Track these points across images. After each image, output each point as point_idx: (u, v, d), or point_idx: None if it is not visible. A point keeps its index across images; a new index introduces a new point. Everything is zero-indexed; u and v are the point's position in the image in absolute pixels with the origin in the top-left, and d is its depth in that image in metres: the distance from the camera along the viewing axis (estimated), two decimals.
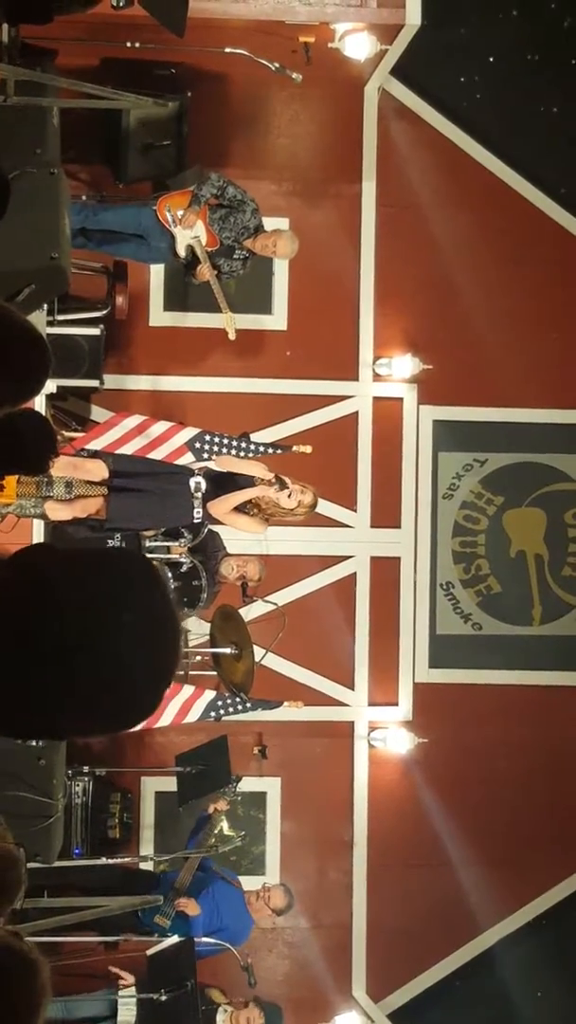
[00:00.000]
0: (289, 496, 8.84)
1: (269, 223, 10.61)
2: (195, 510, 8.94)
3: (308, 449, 9.55)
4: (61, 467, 8.72)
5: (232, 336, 9.80)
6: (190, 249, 9.87)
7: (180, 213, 9.84)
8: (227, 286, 10.17)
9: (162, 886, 9.63)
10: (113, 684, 2.35)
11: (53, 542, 9.13)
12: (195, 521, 9.06)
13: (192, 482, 8.94)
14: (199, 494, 8.92)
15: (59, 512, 8.87)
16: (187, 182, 10.56)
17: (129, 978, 9.18)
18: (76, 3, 7.59)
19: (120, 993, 9.17)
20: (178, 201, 9.92)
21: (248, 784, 10.36)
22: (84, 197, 10.60)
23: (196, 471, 9.04)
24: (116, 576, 2.41)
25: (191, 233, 9.82)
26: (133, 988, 9.13)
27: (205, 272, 9.79)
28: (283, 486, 8.81)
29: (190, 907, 9.38)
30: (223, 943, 9.46)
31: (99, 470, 8.97)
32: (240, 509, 9.00)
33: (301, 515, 9.09)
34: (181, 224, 9.79)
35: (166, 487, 8.99)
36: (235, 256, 9.95)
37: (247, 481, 8.98)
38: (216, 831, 9.86)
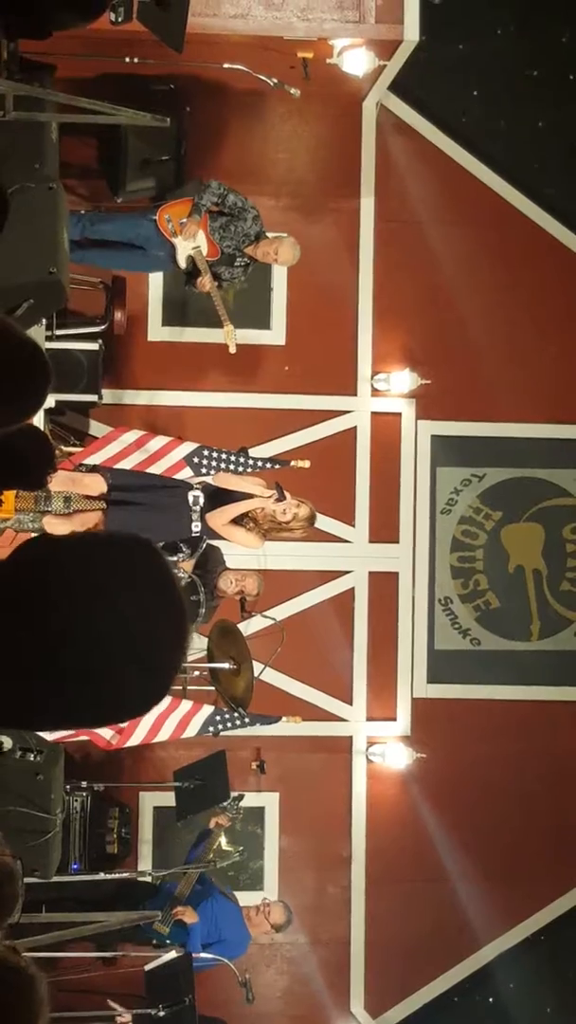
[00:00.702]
0: (284, 511, 8.86)
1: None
2: (193, 524, 8.96)
3: (306, 464, 9.55)
4: (59, 482, 8.74)
5: (233, 349, 9.79)
6: (191, 260, 9.86)
7: (182, 222, 9.84)
8: (226, 299, 10.16)
9: (161, 895, 9.62)
10: (106, 675, 2.33)
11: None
12: (193, 535, 9.07)
13: (190, 496, 8.96)
14: (197, 508, 8.94)
15: (57, 526, 8.88)
16: (186, 195, 10.57)
17: (127, 1015, 9.14)
18: (74, 18, 7.59)
19: (118, 1018, 9.15)
20: (178, 211, 9.92)
21: (246, 799, 10.34)
22: (83, 212, 10.62)
23: (194, 485, 9.06)
24: (119, 564, 2.39)
25: (192, 243, 9.82)
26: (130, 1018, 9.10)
27: (206, 285, 9.80)
28: (282, 496, 8.83)
29: (187, 915, 9.36)
30: (221, 957, 9.45)
31: (97, 484, 8.99)
32: (237, 523, 9.01)
33: (298, 530, 9.10)
34: (182, 235, 9.79)
35: (164, 501, 9.00)
36: (236, 264, 9.95)
37: (244, 497, 8.99)
38: (215, 846, 9.84)
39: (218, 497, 9.11)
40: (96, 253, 10.10)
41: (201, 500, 9.00)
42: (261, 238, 9.98)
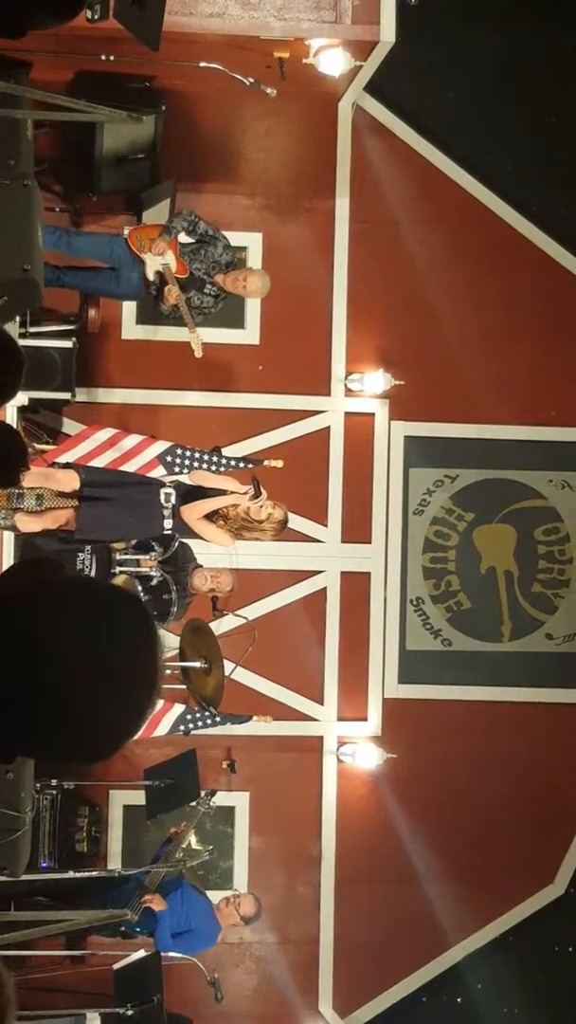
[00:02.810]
0: (261, 508, 8.89)
1: (241, 238, 10.67)
2: (165, 521, 8.98)
3: (279, 464, 9.56)
4: (32, 478, 8.73)
5: (199, 354, 9.80)
6: (159, 276, 9.87)
7: (152, 240, 9.86)
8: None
9: (130, 884, 9.60)
10: (82, 721, 2.35)
11: (25, 554, 9.13)
12: (165, 532, 9.08)
13: (162, 493, 8.98)
14: (169, 505, 8.96)
15: (29, 524, 8.87)
16: (160, 195, 10.58)
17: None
18: (50, 18, 7.58)
19: (88, 1014, 9.14)
20: (148, 232, 9.96)
21: (216, 798, 10.34)
22: (57, 209, 10.61)
23: (167, 483, 9.08)
24: (103, 614, 2.41)
25: (161, 260, 9.83)
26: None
27: (173, 293, 9.78)
28: (258, 492, 8.87)
29: (155, 902, 9.33)
30: (189, 950, 9.45)
31: (70, 481, 8.99)
32: (210, 519, 9.04)
33: (269, 532, 9.13)
34: (151, 250, 9.80)
35: (136, 498, 9.02)
36: (206, 291, 9.94)
37: (220, 493, 9.02)
38: (183, 844, 9.84)
39: (192, 496, 9.13)
40: (71, 276, 10.13)
41: (173, 498, 9.04)
42: (232, 269, 9.99)
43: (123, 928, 9.41)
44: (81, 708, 2.33)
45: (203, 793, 10.05)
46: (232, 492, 8.99)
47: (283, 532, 9.25)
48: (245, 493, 8.95)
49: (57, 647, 2.32)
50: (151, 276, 9.91)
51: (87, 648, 2.33)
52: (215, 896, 10.02)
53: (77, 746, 2.41)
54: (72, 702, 2.32)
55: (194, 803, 9.93)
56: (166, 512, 8.99)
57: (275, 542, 10.59)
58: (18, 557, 9.39)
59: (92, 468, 9.15)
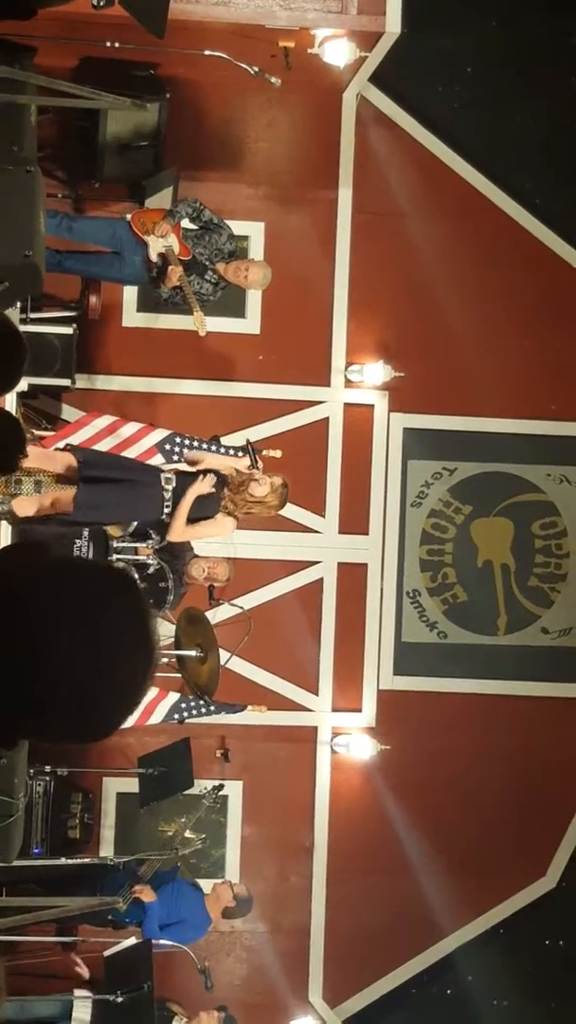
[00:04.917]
0: (259, 483, 8.89)
1: (243, 227, 10.65)
2: (166, 504, 8.92)
3: (278, 453, 9.57)
4: (33, 458, 8.66)
5: (203, 333, 9.76)
6: (162, 258, 9.82)
7: (155, 223, 9.82)
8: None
9: (122, 873, 9.60)
10: (73, 700, 2.35)
11: (24, 539, 9.11)
12: (164, 515, 9.00)
13: (163, 477, 8.96)
14: (170, 487, 8.92)
15: (27, 507, 8.85)
16: (163, 183, 10.56)
17: (85, 971, 9.17)
18: None
19: (76, 994, 9.15)
20: (152, 215, 9.92)
21: (209, 787, 10.36)
22: (60, 196, 10.60)
23: (166, 471, 9.06)
24: (96, 594, 2.40)
25: (164, 241, 9.79)
26: (88, 990, 9.11)
27: (175, 274, 9.73)
28: (255, 462, 8.93)
29: (145, 893, 9.34)
30: (179, 941, 9.46)
31: (69, 461, 8.96)
32: (210, 514, 9.02)
33: (275, 501, 9.06)
34: (155, 232, 9.76)
35: (136, 480, 8.98)
36: (206, 277, 9.89)
37: (214, 503, 8.99)
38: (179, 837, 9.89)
39: (191, 478, 9.11)
40: (73, 261, 10.08)
41: (174, 481, 8.96)
42: (234, 259, 9.95)
43: (111, 918, 9.42)
44: (76, 688, 2.33)
45: (211, 786, 10.08)
46: (231, 467, 9.06)
47: (286, 499, 9.18)
48: (248, 469, 9.03)
49: (50, 626, 2.32)
50: (154, 257, 9.86)
51: (80, 627, 2.33)
52: (207, 887, 10.03)
53: (72, 726, 2.42)
54: (67, 682, 2.32)
55: (201, 796, 9.95)
56: (167, 495, 8.93)
57: (272, 531, 10.65)
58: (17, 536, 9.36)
59: (91, 451, 9.14)
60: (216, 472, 9.02)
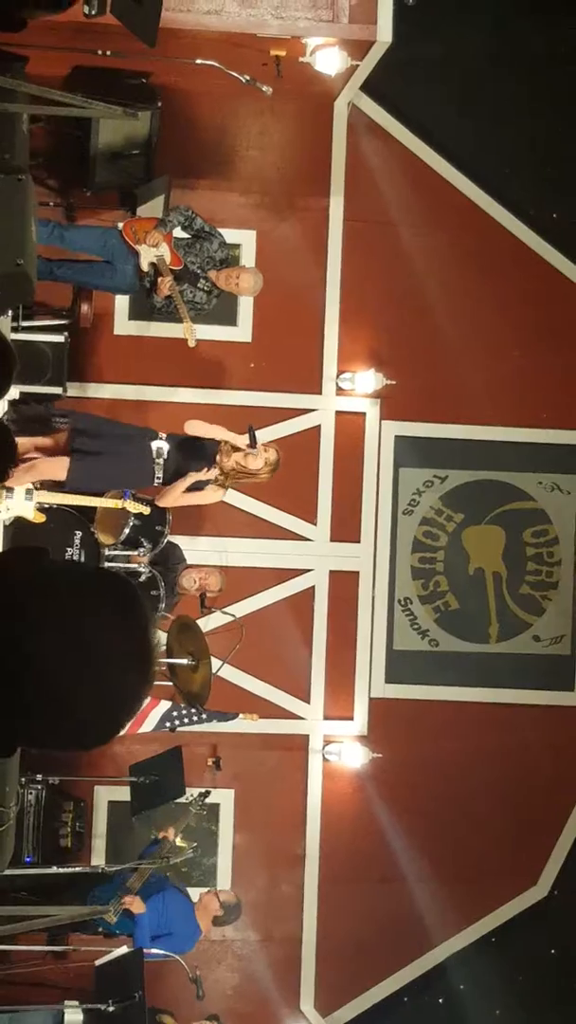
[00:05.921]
0: (256, 457, 9.10)
1: (234, 236, 10.65)
2: (156, 475, 9.14)
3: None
4: (17, 477, 8.71)
5: (192, 344, 9.78)
6: (153, 267, 9.82)
7: (146, 232, 9.83)
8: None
9: (113, 883, 9.59)
10: (55, 706, 2.34)
11: (16, 541, 9.11)
12: (156, 483, 9.17)
13: (154, 446, 9.12)
14: (160, 460, 9.11)
15: (20, 478, 8.84)
16: (155, 192, 10.56)
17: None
18: (44, 6, 7.58)
19: (67, 1003, 9.13)
20: (143, 224, 9.92)
21: (208, 799, 10.35)
22: (51, 204, 10.60)
23: (159, 435, 9.22)
24: (91, 599, 2.40)
25: (155, 251, 9.79)
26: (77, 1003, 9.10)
27: (166, 284, 9.73)
28: (254, 442, 9.07)
29: (135, 904, 9.32)
30: (169, 951, 9.44)
31: (57, 469, 9.08)
32: (198, 487, 9.19)
33: (267, 475, 9.25)
34: (146, 242, 9.76)
35: (124, 450, 9.18)
36: (199, 286, 9.90)
37: (196, 468, 9.05)
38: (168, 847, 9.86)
39: (186, 447, 9.22)
40: (64, 269, 10.08)
41: (165, 451, 9.17)
42: (226, 266, 9.97)
43: (101, 929, 9.41)
44: (59, 693, 2.32)
45: (197, 793, 10.06)
46: (225, 448, 9.19)
47: (276, 471, 9.37)
48: (237, 449, 9.16)
49: (48, 631, 2.32)
50: (145, 267, 9.86)
51: (77, 633, 2.33)
52: (198, 895, 10.01)
53: (60, 732, 2.41)
54: (63, 688, 2.31)
55: (187, 803, 9.93)
56: (157, 467, 9.13)
57: (264, 539, 10.68)
58: (9, 544, 9.37)
59: (83, 415, 9.34)
60: (214, 443, 9.22)
